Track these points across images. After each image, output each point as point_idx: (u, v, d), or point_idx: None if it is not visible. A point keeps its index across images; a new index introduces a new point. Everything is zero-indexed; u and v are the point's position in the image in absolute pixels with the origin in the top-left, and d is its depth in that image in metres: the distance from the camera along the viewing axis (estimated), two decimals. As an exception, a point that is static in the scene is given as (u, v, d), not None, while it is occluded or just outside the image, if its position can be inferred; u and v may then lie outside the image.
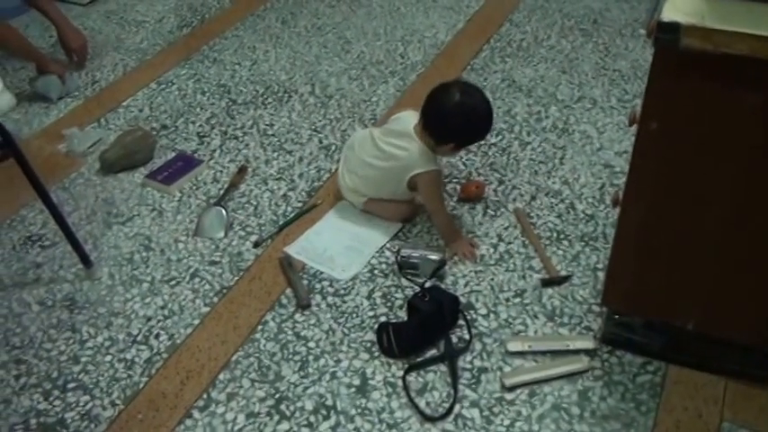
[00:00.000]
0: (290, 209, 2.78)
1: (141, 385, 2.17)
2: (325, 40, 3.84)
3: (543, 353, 2.25)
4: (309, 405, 2.11)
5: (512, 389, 2.15)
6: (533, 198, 2.82)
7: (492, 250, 2.60)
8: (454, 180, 2.90)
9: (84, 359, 2.24)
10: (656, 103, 1.79)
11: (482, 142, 3.05)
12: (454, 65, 3.61)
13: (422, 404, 2.10)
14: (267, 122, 3.23)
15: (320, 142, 3.12)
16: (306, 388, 2.15)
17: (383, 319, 2.33)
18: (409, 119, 2.57)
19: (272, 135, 3.16)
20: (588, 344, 2.26)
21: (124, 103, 3.36)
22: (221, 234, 2.66)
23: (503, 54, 3.70)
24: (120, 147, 2.94)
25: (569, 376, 2.18)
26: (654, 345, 2.21)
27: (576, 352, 2.25)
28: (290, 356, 2.24)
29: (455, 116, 2.46)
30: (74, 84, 3.45)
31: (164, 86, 3.47)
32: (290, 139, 3.13)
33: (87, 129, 3.17)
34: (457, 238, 2.59)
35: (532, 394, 2.13)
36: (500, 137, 3.13)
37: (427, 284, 2.40)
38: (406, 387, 2.14)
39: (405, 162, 2.52)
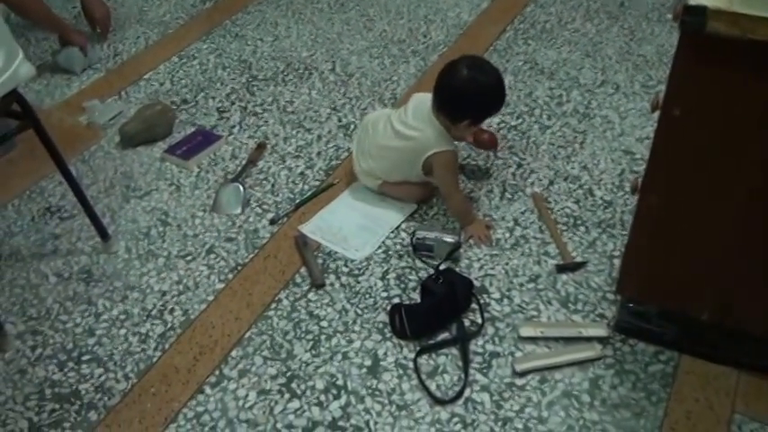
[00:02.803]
0: (306, 187, 2.79)
1: (155, 359, 2.19)
2: (348, 17, 3.83)
3: (555, 339, 2.26)
4: (320, 384, 2.13)
5: (523, 374, 2.16)
6: (551, 183, 2.81)
7: (508, 234, 2.60)
8: (472, 163, 2.90)
9: (99, 332, 2.27)
10: (679, 88, 1.78)
11: (501, 125, 3.04)
12: (476, 46, 3.60)
13: (432, 387, 2.11)
14: (287, 99, 3.24)
15: (339, 121, 3.12)
16: (317, 367, 2.17)
17: (396, 300, 2.34)
18: (425, 100, 2.57)
19: (292, 112, 3.16)
20: (601, 331, 2.26)
21: (146, 77, 3.38)
22: (238, 210, 2.68)
23: (526, 36, 3.68)
24: (140, 120, 2.96)
25: (581, 363, 2.19)
26: (667, 334, 2.20)
27: (589, 339, 2.25)
28: (303, 335, 2.26)
29: (466, 91, 2.46)
30: (96, 56, 3.47)
31: (185, 60, 3.49)
32: (310, 117, 3.14)
33: (108, 101, 3.19)
34: (472, 220, 2.60)
35: (543, 380, 2.14)
36: (520, 120, 3.12)
37: (441, 267, 2.40)
38: (417, 369, 2.15)
39: (420, 143, 2.52)
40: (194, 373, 2.16)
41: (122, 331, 2.28)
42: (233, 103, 3.22)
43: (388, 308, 2.30)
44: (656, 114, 1.89)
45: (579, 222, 2.64)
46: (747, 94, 1.70)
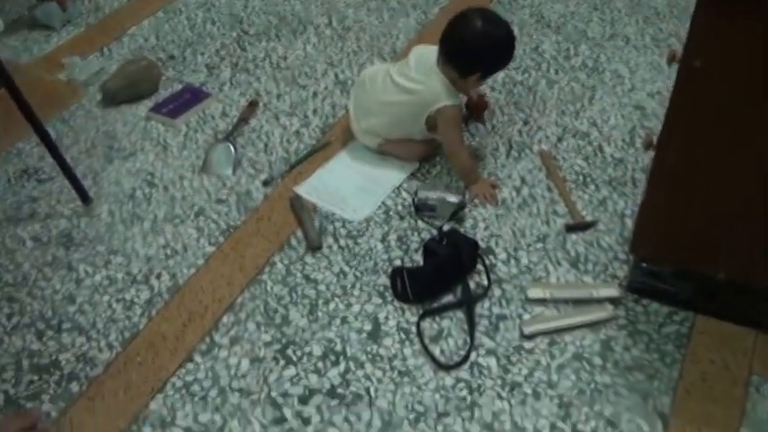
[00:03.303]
0: (302, 146, 2.73)
1: (141, 327, 2.14)
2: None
3: (565, 301, 2.21)
4: (318, 350, 2.08)
5: (531, 337, 2.11)
6: (560, 140, 2.75)
7: (514, 193, 2.55)
8: (477, 120, 2.84)
9: (80, 299, 2.22)
10: (700, 39, 1.72)
11: (507, 81, 2.98)
12: (479, -2, 3.52)
13: (436, 352, 2.06)
14: (280, 55, 3.17)
15: (336, 77, 3.06)
16: (314, 333, 2.12)
17: (398, 262, 2.28)
18: (428, 53, 2.50)
19: (286, 68, 3.10)
20: (613, 292, 2.21)
21: (129, 32, 3.30)
22: (229, 171, 2.61)
23: (532, -12, 3.61)
24: (123, 77, 2.89)
25: (592, 325, 2.14)
26: (682, 294, 2.16)
27: (600, 300, 2.20)
28: (299, 300, 2.21)
29: (480, 44, 2.41)
30: (76, 10, 3.40)
31: (171, 15, 3.41)
32: (305, 73, 3.07)
33: (89, 58, 3.11)
34: (477, 179, 2.54)
35: (552, 343, 2.09)
36: (526, 74, 3.06)
37: (445, 227, 2.35)
38: (420, 333, 2.10)
39: (424, 97, 2.46)
40: (183, 341, 2.10)
41: (105, 298, 2.22)
42: (223, 59, 3.15)
43: (389, 270, 2.24)
44: (668, 69, 1.84)
45: (589, 180, 2.59)
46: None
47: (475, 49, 2.41)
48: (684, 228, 2.03)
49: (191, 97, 2.91)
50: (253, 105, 2.88)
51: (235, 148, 2.66)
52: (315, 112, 2.88)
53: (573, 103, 2.92)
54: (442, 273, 2.18)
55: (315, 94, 2.96)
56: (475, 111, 2.80)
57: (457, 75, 2.45)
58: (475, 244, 2.27)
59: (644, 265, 2.17)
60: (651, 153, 2.03)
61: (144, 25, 3.36)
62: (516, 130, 2.79)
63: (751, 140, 1.81)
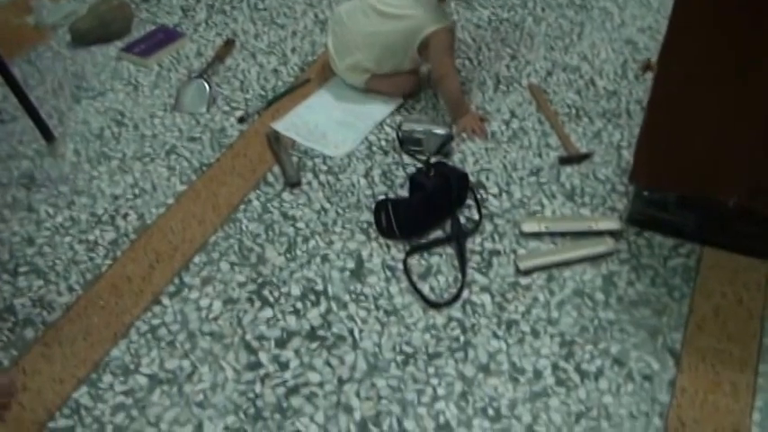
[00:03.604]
0: (280, 83, 2.40)
1: (104, 269, 1.82)
2: None
3: (562, 234, 1.90)
4: (296, 290, 1.76)
5: (527, 273, 1.80)
6: (549, 74, 2.43)
7: (504, 127, 2.23)
8: (462, 55, 2.51)
9: (39, 240, 1.89)
10: None
11: (492, 18, 2.66)
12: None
13: (425, 289, 1.76)
14: (257, -4, 2.82)
15: (316, 17, 2.72)
16: (293, 272, 1.80)
17: (382, 198, 1.96)
18: None
19: (264, 9, 2.76)
20: (613, 224, 1.90)
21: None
22: (203, 109, 2.28)
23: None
24: (94, 16, 2.55)
25: (592, 260, 1.84)
26: (688, 224, 1.86)
27: (600, 233, 1.89)
28: (276, 238, 1.89)
29: None
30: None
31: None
32: (283, 14, 2.74)
33: (60, 1, 2.75)
34: (466, 111, 2.22)
35: (550, 279, 1.78)
36: (512, 12, 2.73)
37: (432, 160, 2.02)
38: (407, 271, 1.79)
39: (415, 21, 2.16)
40: (149, 282, 1.78)
41: (67, 239, 1.90)
42: (198, 1, 2.80)
43: (373, 205, 1.92)
44: (660, 3, 1.50)
45: (582, 113, 2.27)
46: None
47: None
48: (689, 151, 1.73)
49: (164, 37, 2.57)
50: (229, 45, 2.54)
51: (209, 86, 2.33)
52: (294, 50, 2.55)
53: (561, 38, 2.60)
54: (430, 205, 1.87)
55: (294, 33, 2.63)
56: None
57: None
58: (464, 176, 1.96)
59: (645, 193, 1.86)
60: (649, 78, 1.71)
61: (117, -30, 2.99)
62: (503, 65, 2.47)
63: (758, 55, 1.50)
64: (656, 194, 1.84)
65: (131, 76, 2.44)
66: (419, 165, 2.04)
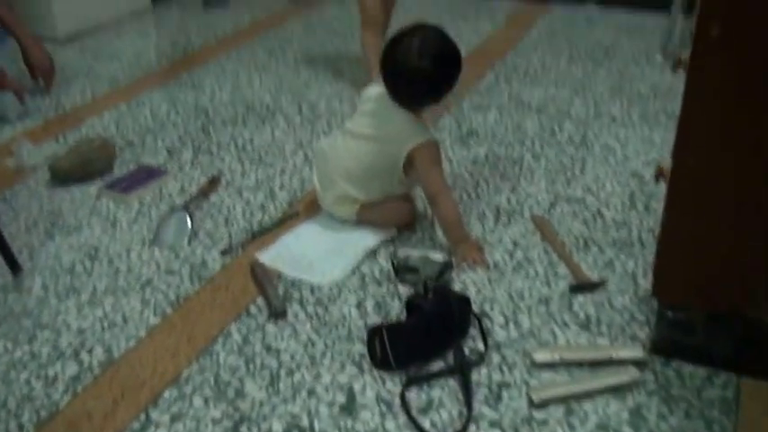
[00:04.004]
0: (267, 218, 2.24)
1: (61, 405, 1.59)
2: (316, 69, 3.37)
3: (579, 364, 1.68)
4: (278, 426, 1.54)
5: (542, 406, 1.57)
6: (552, 206, 2.29)
7: (507, 257, 2.06)
8: (459, 189, 2.37)
9: (-8, 375, 1.67)
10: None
11: (490, 155, 2.55)
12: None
13: (426, 424, 1.52)
14: (247, 138, 2.73)
15: (306, 156, 2.61)
16: (275, 407, 1.58)
17: (376, 324, 1.75)
18: (380, 93, 2.09)
19: (252, 150, 2.65)
20: (636, 353, 1.70)
21: (88, 122, 2.84)
22: (183, 242, 2.12)
23: (509, 78, 3.23)
24: (76, 155, 2.43)
25: (615, 391, 1.62)
26: (720, 349, 1.65)
27: (621, 362, 1.67)
28: (257, 371, 1.67)
29: (428, 71, 1.98)
30: (34, 105, 2.96)
31: (134, 108, 2.98)
32: (272, 153, 2.62)
33: (42, 145, 2.64)
34: (465, 237, 2.05)
35: (570, 412, 1.56)
36: (509, 149, 2.62)
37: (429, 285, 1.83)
38: (405, 404, 1.56)
39: (395, 137, 2.04)
40: (112, 419, 1.56)
41: (23, 375, 1.68)
42: (184, 144, 2.69)
43: (367, 334, 1.71)
44: (663, 139, 1.38)
45: (591, 243, 2.11)
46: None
47: (425, 78, 2.01)
48: (715, 254, 1.56)
49: (146, 176, 2.44)
50: (214, 181, 2.41)
51: (191, 218, 2.17)
52: (282, 186, 2.41)
53: (563, 172, 2.47)
54: (429, 330, 1.67)
55: (282, 171, 2.50)
56: None
57: (414, 108, 2.05)
58: (466, 300, 1.77)
59: (670, 314, 1.66)
60: (663, 187, 1.56)
61: (104, 116, 2.92)
62: (504, 198, 2.33)
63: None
64: (682, 314, 1.64)
65: (110, 212, 2.29)
66: (416, 289, 1.85)
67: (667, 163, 1.55)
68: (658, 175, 1.73)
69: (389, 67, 2.02)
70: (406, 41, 1.99)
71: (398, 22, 3.69)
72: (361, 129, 2.08)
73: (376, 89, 2.10)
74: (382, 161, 2.04)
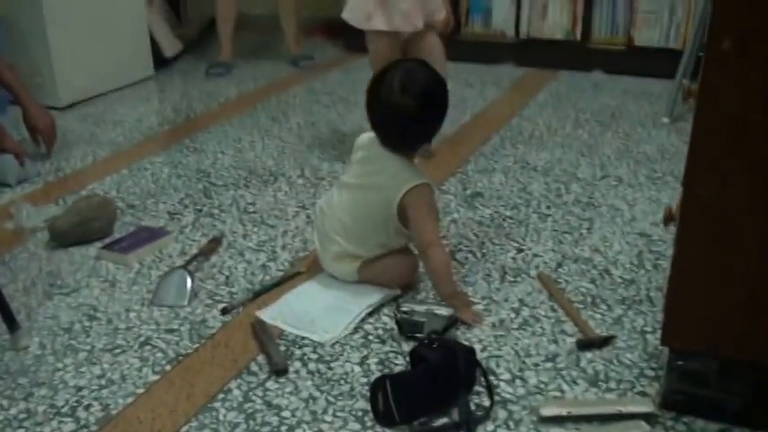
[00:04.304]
0: (268, 278, 2.27)
1: (57, 462, 1.59)
2: (319, 133, 3.44)
3: (588, 419, 1.69)
4: (279, 483, 1.53)
5: (551, 460, 1.57)
6: (559, 265, 2.32)
7: (513, 315, 2.08)
8: (464, 248, 2.40)
9: (-14, 433, 1.68)
10: (731, 9, 1.32)
11: (495, 216, 2.58)
12: (459, 151, 3.19)
13: (430, 480, 1.52)
14: (249, 201, 2.78)
15: (308, 218, 2.65)
16: (275, 463, 1.58)
17: (379, 375, 1.77)
18: (371, 140, 2.14)
19: (254, 212, 2.69)
20: (645, 407, 1.71)
21: (89, 186, 2.89)
22: (183, 302, 2.14)
23: (514, 142, 3.29)
24: (74, 213, 2.47)
25: (625, 445, 1.61)
26: (734, 403, 1.65)
27: (631, 417, 1.68)
28: (258, 428, 1.69)
29: (413, 106, 2.00)
30: (34, 169, 3.02)
31: (135, 172, 3.04)
32: (275, 215, 2.67)
33: (42, 207, 2.69)
34: (459, 295, 2.07)
35: (579, 466, 1.56)
36: (515, 210, 2.66)
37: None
38: (408, 459, 1.57)
39: (387, 183, 2.06)
40: (109, 477, 1.55)
41: None
42: (186, 207, 2.74)
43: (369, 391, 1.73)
44: (671, 200, 1.42)
45: (599, 301, 2.13)
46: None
47: (412, 127, 2.05)
48: (730, 295, 1.56)
49: (147, 236, 2.48)
50: (214, 242, 2.45)
51: (191, 278, 2.20)
52: (284, 247, 2.45)
53: (570, 233, 2.51)
54: (434, 382, 1.68)
55: (285, 233, 2.54)
56: None
57: (405, 149, 2.09)
58: (472, 350, 1.79)
59: (681, 363, 1.66)
60: (672, 231, 1.59)
61: (106, 180, 2.97)
62: (509, 257, 2.36)
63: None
64: (693, 365, 1.65)
65: (109, 273, 2.33)
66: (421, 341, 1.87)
67: (676, 206, 1.58)
68: (667, 218, 1.76)
69: (374, 107, 2.06)
70: (388, 78, 2.02)
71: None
72: (353, 179, 2.13)
73: (366, 135, 2.14)
74: (376, 210, 2.07)
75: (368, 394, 1.74)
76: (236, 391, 1.80)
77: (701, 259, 1.55)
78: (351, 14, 2.94)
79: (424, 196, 2.05)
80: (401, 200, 2.03)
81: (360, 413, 1.73)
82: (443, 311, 1.95)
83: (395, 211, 2.04)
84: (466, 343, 1.94)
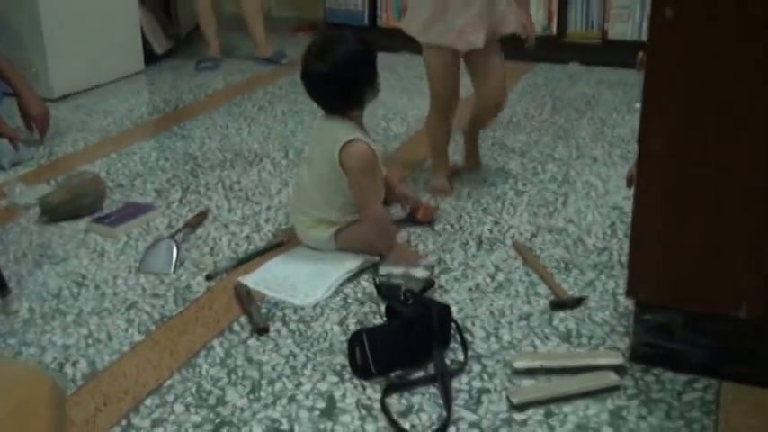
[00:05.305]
0: (251, 247, 2.27)
1: (43, 412, 1.58)
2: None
3: (559, 370, 1.69)
4: (258, 430, 1.54)
5: (522, 408, 1.58)
6: (534, 235, 2.33)
7: (489, 279, 2.08)
8: (442, 221, 2.40)
9: (-27, 384, 1.66)
10: None
11: (473, 192, 2.59)
12: (440, 134, 3.18)
13: (406, 427, 1.52)
14: (234, 180, 2.77)
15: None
16: (255, 412, 1.59)
17: (357, 329, 1.77)
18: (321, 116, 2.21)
19: (239, 190, 2.69)
20: (615, 359, 1.71)
21: (79, 168, 2.88)
22: (169, 270, 2.13)
23: (492, 126, 3.27)
24: (66, 190, 2.46)
25: (594, 394, 1.62)
26: (699, 355, 1.66)
27: (601, 368, 1.68)
28: (239, 381, 1.69)
29: (325, 72, 2.06)
30: (28, 153, 3.00)
31: (124, 156, 3.03)
32: (259, 192, 2.66)
33: (34, 186, 2.68)
34: (393, 242, 2.13)
35: (549, 414, 1.57)
36: (493, 187, 2.67)
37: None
38: (385, 409, 1.57)
39: (328, 144, 2.12)
40: (94, 425, 1.57)
41: (6, 385, 1.67)
42: (173, 186, 2.74)
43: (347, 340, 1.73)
44: None
45: (572, 266, 2.14)
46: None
47: (325, 85, 2.10)
48: (689, 249, 1.57)
49: (135, 210, 2.47)
50: (201, 215, 2.44)
51: (177, 247, 2.19)
52: (267, 220, 2.45)
53: (545, 206, 2.52)
54: (409, 335, 1.68)
55: (268, 208, 2.54)
56: (422, 219, 2.38)
57: (343, 111, 2.13)
58: (446, 307, 1.78)
59: (648, 317, 1.67)
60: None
61: (96, 164, 2.96)
62: (486, 229, 2.36)
63: (750, 107, 1.39)
64: (660, 318, 1.66)
65: (98, 245, 2.32)
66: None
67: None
68: (630, 180, 1.77)
69: (301, 77, 2.13)
70: (308, 48, 2.11)
71: (393, 85, 3.80)
72: (310, 152, 2.21)
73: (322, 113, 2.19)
74: (327, 171, 2.11)
75: (346, 350, 1.74)
76: (218, 348, 1.80)
77: (659, 213, 1.57)
78: (407, 25, 2.54)
79: (359, 152, 2.08)
80: (339, 156, 2.07)
81: (338, 367, 1.73)
82: (420, 274, 1.95)
83: (339, 167, 2.09)
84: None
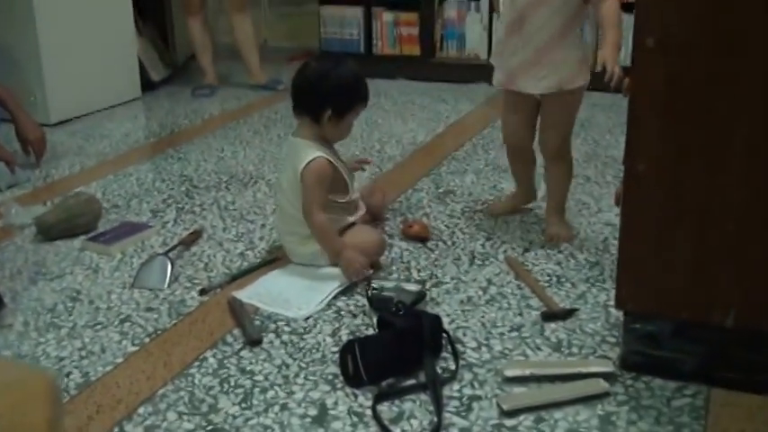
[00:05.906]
0: (246, 264, 2.29)
1: (35, 421, 1.59)
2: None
3: (550, 378, 1.71)
4: (250, 436, 1.54)
5: (512, 414, 1.59)
6: (526, 250, 2.35)
7: (481, 292, 2.11)
8: (435, 238, 2.43)
9: (-33, 394, 1.68)
10: (652, 13, 1.48)
11: (466, 210, 2.61)
12: (433, 156, 3.24)
13: (396, 432, 1.54)
14: (229, 200, 2.80)
15: (287, 214, 2.66)
16: (247, 419, 1.61)
17: (349, 340, 1.79)
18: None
19: (234, 210, 2.71)
20: (605, 368, 1.72)
21: (76, 190, 2.91)
22: (163, 286, 2.15)
23: (486, 148, 3.33)
24: (62, 209, 2.49)
25: (585, 400, 1.64)
26: (688, 362, 1.68)
27: (591, 376, 1.70)
28: (231, 389, 1.71)
29: (319, 80, 2.18)
30: (24, 175, 3.03)
31: (121, 177, 3.06)
32: (254, 212, 2.69)
33: (30, 206, 2.70)
34: (344, 252, 2.13)
35: (539, 420, 1.59)
36: (485, 205, 2.69)
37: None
38: (376, 415, 1.58)
39: (294, 161, 2.18)
40: (85, 433, 1.57)
41: (0, 395, 1.68)
42: (169, 206, 2.76)
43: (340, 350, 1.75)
44: None
45: (564, 280, 2.17)
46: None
47: (316, 86, 2.18)
48: (675, 262, 1.60)
49: (130, 229, 2.50)
50: (195, 234, 2.47)
51: (171, 263, 2.22)
52: (261, 238, 2.48)
53: (538, 223, 2.54)
54: (400, 345, 1.70)
55: (263, 226, 2.57)
56: (417, 238, 2.41)
57: (314, 122, 2.19)
58: (437, 318, 1.80)
59: (636, 326, 1.69)
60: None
61: (92, 185, 2.99)
62: (479, 245, 2.39)
63: (729, 127, 1.44)
64: (649, 327, 1.68)
65: (93, 261, 2.34)
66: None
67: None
68: (617, 199, 1.81)
69: (295, 79, 2.24)
70: (314, 59, 2.31)
71: (388, 109, 3.85)
72: (280, 175, 2.31)
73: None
74: (297, 186, 2.16)
75: (338, 360, 1.76)
76: (211, 360, 1.82)
77: (644, 228, 1.60)
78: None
79: (315, 168, 2.15)
80: (302, 174, 2.14)
81: (330, 377, 1.74)
82: (412, 287, 1.97)
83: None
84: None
